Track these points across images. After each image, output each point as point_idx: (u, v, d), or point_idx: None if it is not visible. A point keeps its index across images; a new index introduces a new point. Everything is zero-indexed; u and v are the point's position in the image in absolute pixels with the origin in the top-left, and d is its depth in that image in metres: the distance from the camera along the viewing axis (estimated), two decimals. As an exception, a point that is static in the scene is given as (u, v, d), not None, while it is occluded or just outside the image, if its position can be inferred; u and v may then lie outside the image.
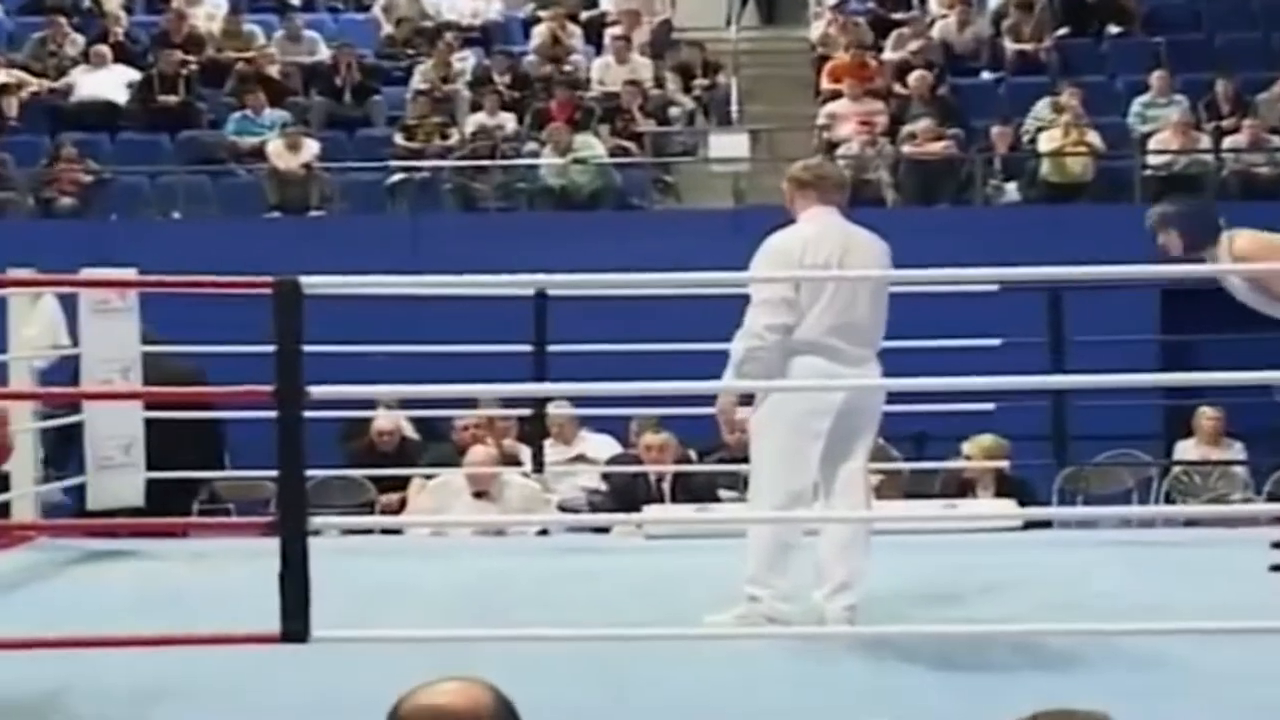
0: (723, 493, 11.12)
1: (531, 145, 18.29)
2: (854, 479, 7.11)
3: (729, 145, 18.72)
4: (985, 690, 5.74)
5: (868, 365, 7.06)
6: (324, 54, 19.99)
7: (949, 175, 17.96)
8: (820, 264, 6.98)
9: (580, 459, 11.94)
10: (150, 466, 9.45)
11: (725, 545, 8.53)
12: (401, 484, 11.54)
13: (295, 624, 5.79)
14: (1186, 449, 12.89)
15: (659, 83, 19.54)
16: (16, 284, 9.02)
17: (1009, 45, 19.66)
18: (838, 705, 5.98)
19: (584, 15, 20.75)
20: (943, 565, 8.14)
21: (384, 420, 12.19)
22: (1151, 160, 17.52)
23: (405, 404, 12.00)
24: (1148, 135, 17.76)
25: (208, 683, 6.27)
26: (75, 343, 9.55)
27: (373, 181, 18.17)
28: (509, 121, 18.60)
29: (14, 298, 9.44)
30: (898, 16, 20.39)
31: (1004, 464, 11.07)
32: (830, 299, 6.94)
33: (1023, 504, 10.78)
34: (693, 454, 11.74)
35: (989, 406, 10.13)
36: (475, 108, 18.83)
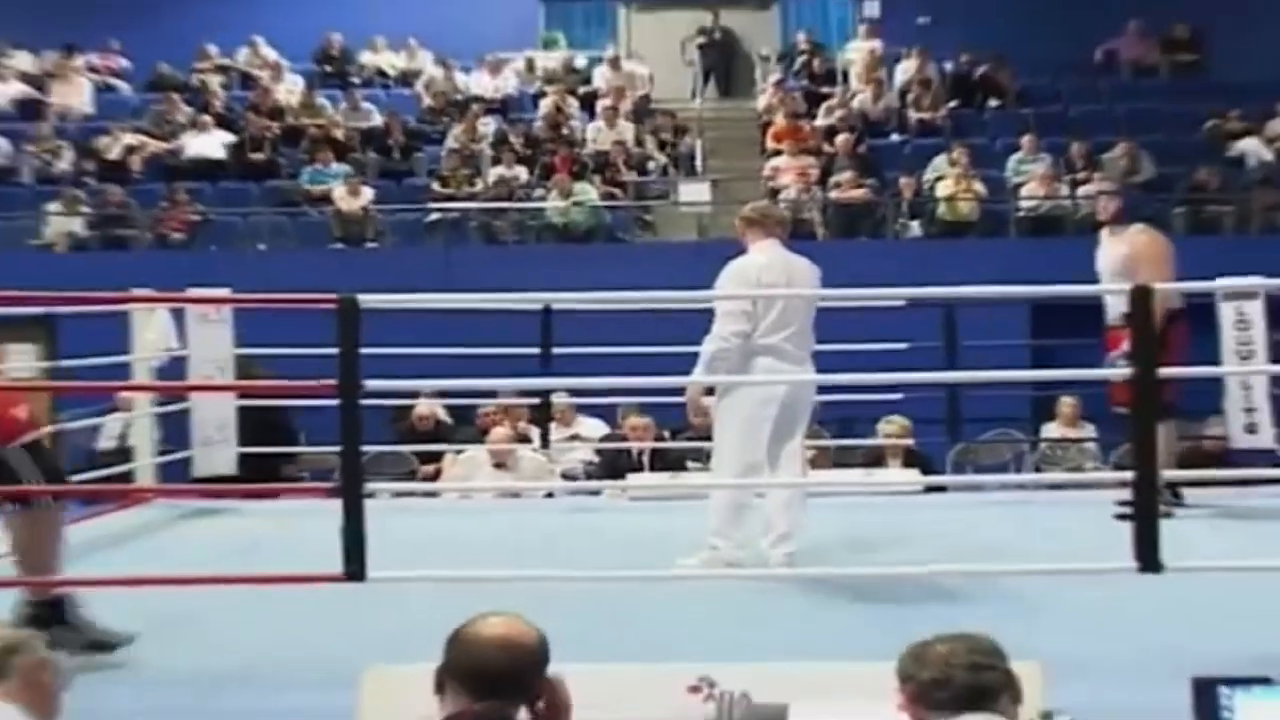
0: (690, 464, 11.08)
1: (539, 191, 18.25)
2: (795, 453, 7.15)
3: (694, 192, 18.69)
4: (896, 620, 5.69)
5: (806, 365, 7.07)
6: (377, 120, 19.95)
7: (867, 215, 17.94)
8: (770, 284, 6.98)
9: (577, 438, 11.90)
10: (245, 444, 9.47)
11: (692, 506, 8.51)
12: (437, 458, 11.50)
13: (354, 567, 5.76)
14: (1051, 429, 12.88)
15: (639, 142, 19.51)
16: (138, 301, 9.02)
17: (912, 114, 19.64)
18: (781, 632, 5.95)
19: (581, 90, 20.71)
20: (862, 521, 8.12)
21: (423, 408, 12.17)
22: (1023, 204, 17.51)
23: (440, 395, 11.97)
24: (1019, 185, 17.76)
25: (286, 611, 6.27)
26: (183, 347, 9.55)
27: (414, 220, 18.11)
28: (522, 173, 18.56)
29: (136, 311, 9.42)
30: (826, 91, 20.38)
31: (909, 441, 11.03)
32: (779, 312, 6.95)
33: (924, 473, 10.77)
34: (666, 433, 11.70)
35: (898, 396, 10.17)
36: (495, 162, 18.78)
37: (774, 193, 18.03)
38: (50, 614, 5.55)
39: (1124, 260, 8.34)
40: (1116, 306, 8.08)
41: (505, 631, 3.47)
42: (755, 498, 7.10)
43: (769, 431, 6.98)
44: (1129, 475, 5.92)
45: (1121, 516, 7.68)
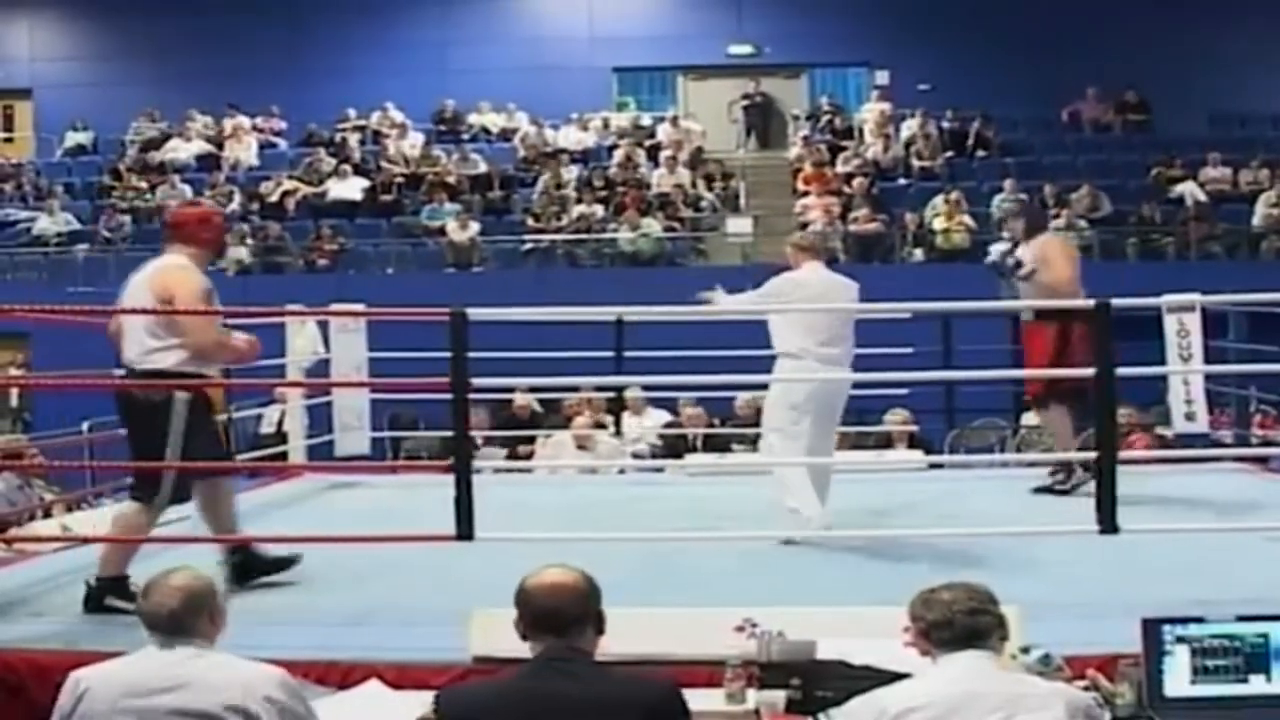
0: (734, 446, 11.06)
1: (613, 225, 18.24)
2: (826, 438, 6.93)
3: (739, 225, 18.65)
4: (904, 572, 5.66)
5: (840, 367, 6.81)
6: (483, 168, 20.00)
7: (878, 244, 17.84)
8: (809, 299, 6.78)
9: (642, 425, 11.89)
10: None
11: (737, 480, 8.49)
12: (531, 440, 11.50)
13: (465, 529, 5.74)
14: (1028, 418, 12.77)
15: (694, 185, 19.49)
16: (291, 314, 9.03)
17: (915, 162, 19.55)
18: (809, 582, 5.92)
19: (647, 143, 20.68)
20: (874, 493, 8.07)
21: (519, 400, 12.17)
22: (1005, 236, 17.36)
23: (533, 390, 11.98)
24: (1002, 220, 17.59)
25: (410, 564, 6.29)
26: (327, 352, 9.58)
27: (512, 249, 18.15)
28: (599, 210, 18.56)
29: (290, 323, 9.45)
30: (845, 144, 20.30)
31: (913, 427, 10.97)
32: (814, 321, 6.76)
33: (926, 453, 10.68)
34: (716, 421, 11.68)
35: (904, 391, 10.09)
36: (578, 201, 18.80)
37: (803, 225, 17.98)
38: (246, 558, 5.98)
39: (1035, 261, 7.87)
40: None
41: (552, 579, 3.44)
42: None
43: (808, 422, 6.74)
44: (1089, 455, 5.84)
45: (1038, 490, 7.90)
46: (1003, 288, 8.06)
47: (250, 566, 6.01)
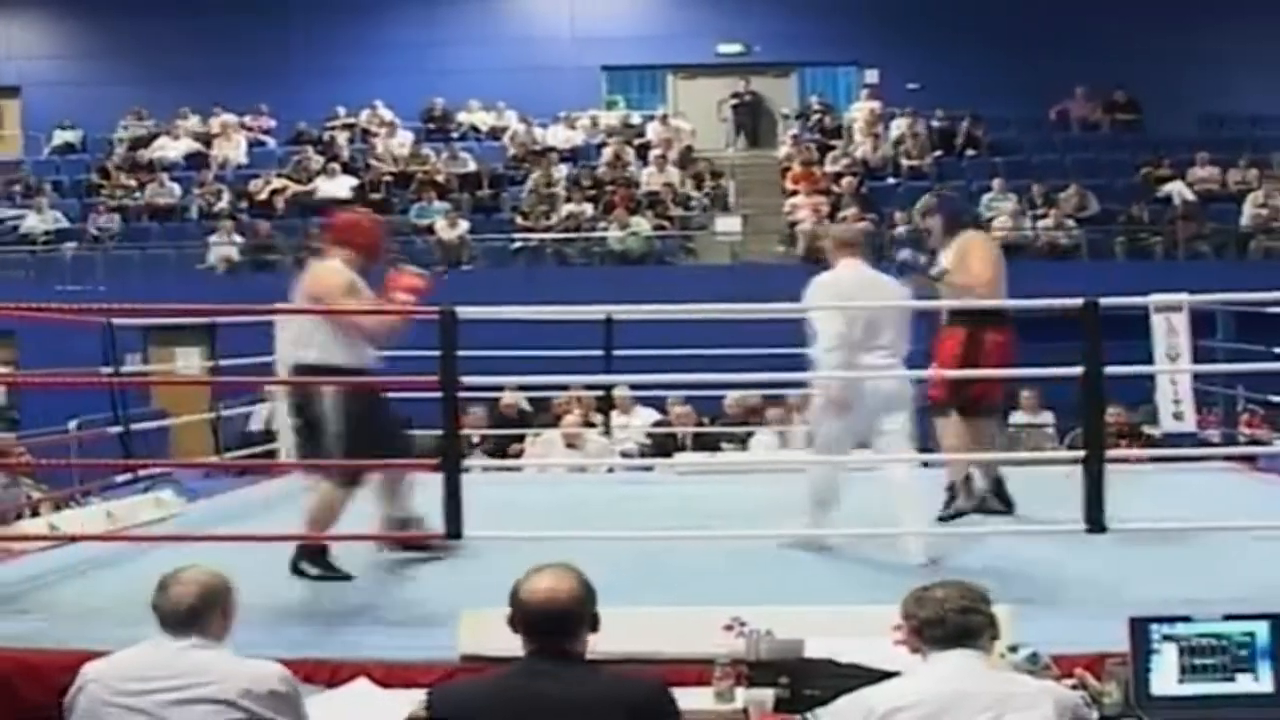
0: (724, 445, 11.07)
1: (603, 224, 18.25)
2: (893, 442, 6.39)
3: (728, 224, 18.67)
4: (896, 570, 5.68)
5: (890, 367, 6.33)
6: (472, 167, 19.98)
7: (869, 244, 17.82)
8: (849, 297, 6.31)
9: (630, 425, 11.89)
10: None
11: (727, 479, 8.48)
12: (520, 439, 11.50)
13: (453, 527, 5.75)
14: (1017, 416, 12.80)
15: (683, 184, 19.49)
16: (281, 312, 8.96)
17: (904, 161, 19.57)
18: (798, 580, 5.92)
19: (636, 142, 20.68)
20: (865, 492, 8.04)
21: (508, 399, 12.16)
22: (994, 234, 17.38)
23: (522, 389, 11.97)
24: (991, 218, 17.63)
25: (399, 562, 6.31)
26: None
27: (501, 247, 18.15)
28: (588, 209, 18.57)
29: (279, 321, 9.38)
30: (834, 143, 20.32)
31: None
32: (863, 323, 6.28)
33: (920, 452, 10.60)
34: (706, 420, 11.69)
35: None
36: (567, 200, 18.80)
37: (792, 225, 18.05)
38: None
39: (953, 260, 7.19)
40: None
41: (548, 583, 3.40)
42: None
43: (847, 426, 6.35)
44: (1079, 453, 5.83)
45: (943, 519, 7.18)
46: (925, 289, 7.34)
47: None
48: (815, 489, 6.46)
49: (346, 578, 6.08)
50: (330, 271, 6.30)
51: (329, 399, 6.15)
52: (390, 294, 6.34)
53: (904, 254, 7.53)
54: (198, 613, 3.68)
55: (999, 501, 7.32)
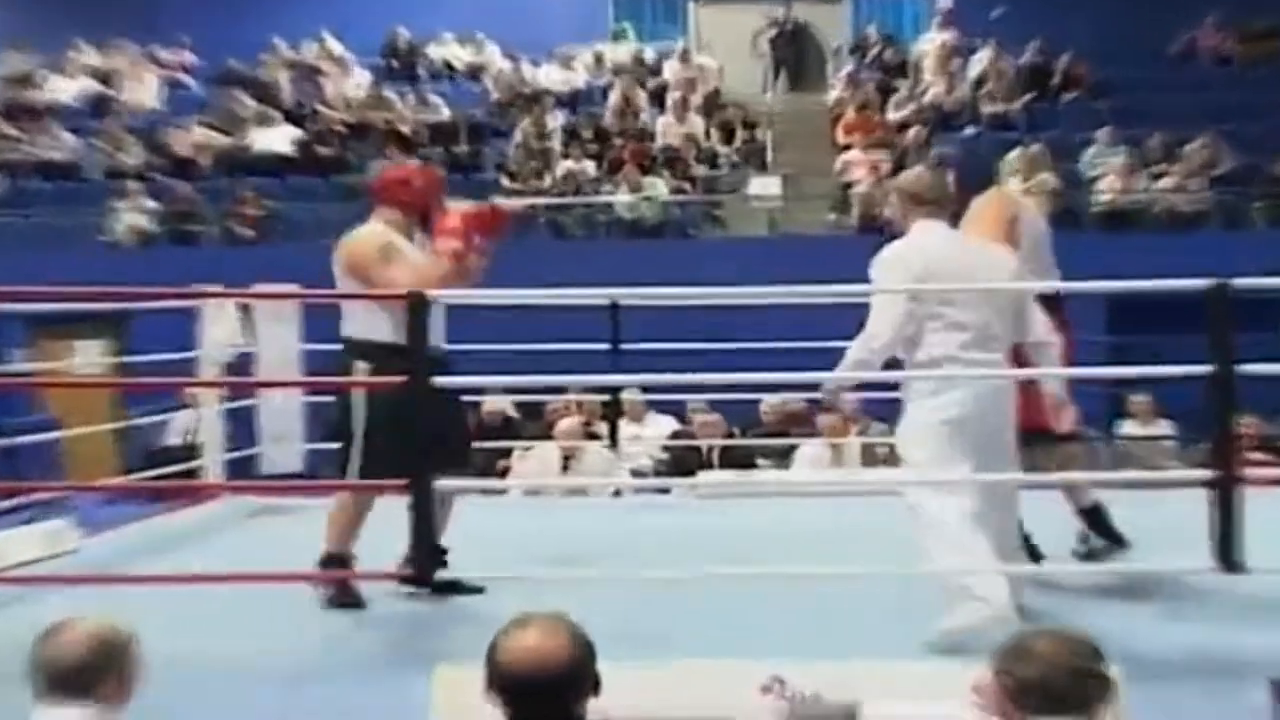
0: (760, 461, 11.08)
1: (608, 186, 18.28)
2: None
3: (765, 186, 18.66)
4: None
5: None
6: (445, 114, 20.03)
7: (949, 199, 17.77)
8: (930, 277, 5.88)
9: (641, 436, 11.91)
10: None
11: (762, 505, 8.50)
12: (506, 453, 11.53)
13: (424, 566, 5.78)
14: (1126, 427, 12.81)
15: (709, 136, 19.52)
16: (206, 296, 9.07)
17: (986, 107, 19.56)
18: (854, 629, 5.94)
19: (650, 84, 20.73)
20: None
21: (491, 403, 12.21)
22: (1099, 198, 17.41)
23: (508, 391, 12.01)
24: (1096, 178, 17.63)
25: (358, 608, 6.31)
26: (252, 343, 9.60)
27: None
28: (590, 167, 18.60)
29: (205, 306, 9.47)
30: (898, 83, 20.34)
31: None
32: (955, 311, 5.85)
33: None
34: (737, 430, 11.71)
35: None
36: (564, 156, 18.84)
37: (846, 187, 18.06)
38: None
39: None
40: None
41: (533, 640, 3.31)
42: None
43: (964, 453, 5.76)
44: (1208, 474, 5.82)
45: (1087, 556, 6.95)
46: None
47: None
48: (965, 533, 5.70)
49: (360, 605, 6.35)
50: (363, 238, 6.60)
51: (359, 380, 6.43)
52: (436, 246, 6.56)
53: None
54: (84, 673, 3.64)
55: (1102, 537, 7.28)
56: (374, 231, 6.63)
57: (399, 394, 6.00)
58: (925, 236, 6.05)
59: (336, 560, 6.46)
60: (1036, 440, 6.55)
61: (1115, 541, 7.14)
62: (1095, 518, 7.14)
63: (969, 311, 5.87)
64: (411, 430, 5.97)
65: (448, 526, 6.41)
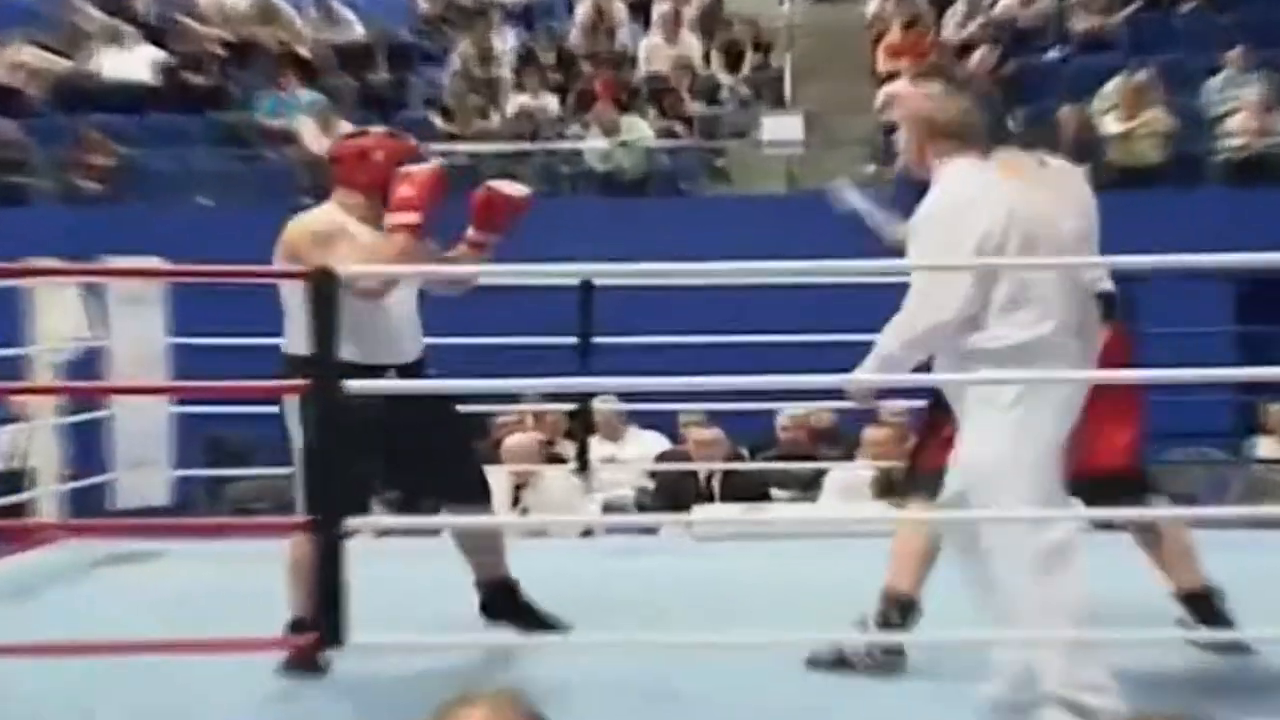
0: (775, 492, 11.11)
1: (575, 128, 18.31)
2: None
3: (782, 127, 18.70)
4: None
5: (1085, 360, 5.95)
6: (358, 33, 20.04)
7: (984, 130, 17.79)
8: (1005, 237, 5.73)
9: (618, 457, 11.93)
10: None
11: (779, 549, 8.52)
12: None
13: (330, 629, 5.80)
14: (1262, 446, 12.85)
15: (708, 62, 19.55)
16: (40, 274, 9.06)
17: (1076, 23, 19.62)
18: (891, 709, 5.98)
19: (631, -9, 20.79)
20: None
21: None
22: (1227, 144, 17.44)
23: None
24: (1223, 116, 17.67)
25: (238, 691, 6.32)
26: (102, 336, 9.59)
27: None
28: (552, 103, 18.64)
29: (38, 288, 9.46)
30: (957, -9, 20.40)
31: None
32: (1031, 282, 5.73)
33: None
34: (744, 451, 11.73)
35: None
36: (516, 88, 18.86)
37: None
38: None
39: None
40: None
41: None
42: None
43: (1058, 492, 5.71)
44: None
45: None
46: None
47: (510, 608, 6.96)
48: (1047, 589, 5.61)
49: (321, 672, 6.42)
50: (303, 222, 6.80)
51: (288, 402, 6.50)
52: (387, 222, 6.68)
53: (846, 194, 7.39)
54: None
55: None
56: (319, 215, 6.85)
57: (339, 412, 6.06)
58: (976, 178, 5.93)
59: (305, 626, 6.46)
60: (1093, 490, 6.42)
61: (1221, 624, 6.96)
62: (1203, 604, 6.98)
63: (1062, 281, 5.77)
64: (357, 452, 6.07)
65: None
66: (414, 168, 6.82)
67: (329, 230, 6.68)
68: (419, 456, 6.68)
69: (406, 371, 6.75)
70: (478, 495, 6.99)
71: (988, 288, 5.65)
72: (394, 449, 6.51)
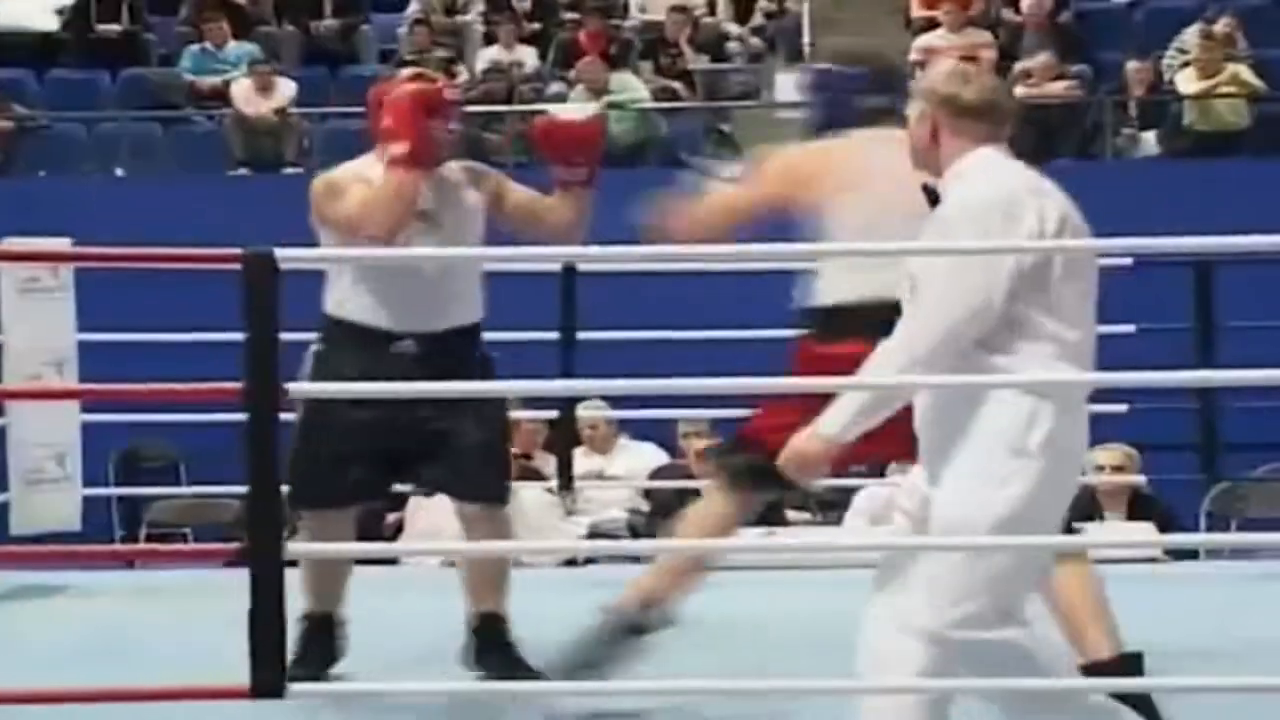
0: (791, 514, 11.13)
1: (557, 86, 18.32)
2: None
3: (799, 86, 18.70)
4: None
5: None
6: (301, -26, 20.10)
7: (1072, 123, 17.90)
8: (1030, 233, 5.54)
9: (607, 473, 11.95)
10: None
11: (796, 581, 8.55)
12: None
13: (268, 675, 5.82)
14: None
15: (713, 9, 19.58)
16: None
17: (1143, -33, 19.69)
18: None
19: (622, -74, 20.82)
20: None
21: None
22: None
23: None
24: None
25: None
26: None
27: (360, 130, 18.14)
28: (529, 57, 18.68)
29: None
30: (1008, -74, 20.43)
31: (1138, 479, 11.00)
32: (1065, 290, 5.61)
33: (1163, 529, 10.69)
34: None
35: (1120, 408, 10.09)
36: (488, 40, 18.91)
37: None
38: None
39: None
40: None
41: None
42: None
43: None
44: None
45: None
46: None
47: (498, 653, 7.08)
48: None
49: None
50: (325, 176, 7.21)
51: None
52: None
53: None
54: None
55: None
56: (348, 165, 7.24)
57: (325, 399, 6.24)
58: (1012, 171, 5.73)
59: (316, 621, 6.69)
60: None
61: None
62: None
63: (1085, 303, 5.67)
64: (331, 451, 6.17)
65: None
66: (401, 87, 7.05)
67: (343, 179, 7.02)
68: (431, 441, 6.99)
69: (435, 342, 6.92)
70: (493, 493, 7.29)
71: (1000, 308, 5.45)
72: (393, 434, 6.83)
